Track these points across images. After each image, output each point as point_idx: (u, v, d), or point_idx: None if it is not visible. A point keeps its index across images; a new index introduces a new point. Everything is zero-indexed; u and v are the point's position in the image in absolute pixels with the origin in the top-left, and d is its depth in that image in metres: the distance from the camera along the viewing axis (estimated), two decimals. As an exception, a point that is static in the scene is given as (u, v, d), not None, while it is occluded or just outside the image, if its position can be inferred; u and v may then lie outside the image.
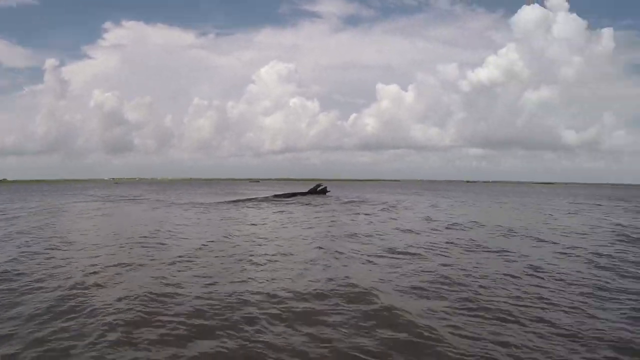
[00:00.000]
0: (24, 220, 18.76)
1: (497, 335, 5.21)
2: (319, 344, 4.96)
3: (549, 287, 7.38)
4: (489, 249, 11.14)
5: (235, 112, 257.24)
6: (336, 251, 10.49)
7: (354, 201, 32.58)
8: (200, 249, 10.99)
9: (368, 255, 10.13)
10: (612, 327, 5.47)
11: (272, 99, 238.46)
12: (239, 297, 6.64)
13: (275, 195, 36.36)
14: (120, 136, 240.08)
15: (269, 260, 9.54)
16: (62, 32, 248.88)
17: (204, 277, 7.96)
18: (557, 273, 8.43)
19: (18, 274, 8.17)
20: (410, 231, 14.72)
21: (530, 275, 8.27)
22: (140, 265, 9.05)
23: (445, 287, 7.33)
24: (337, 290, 7.00)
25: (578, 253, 10.68)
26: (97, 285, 7.40)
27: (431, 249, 10.98)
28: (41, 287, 7.25)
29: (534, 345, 4.94)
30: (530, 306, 6.33)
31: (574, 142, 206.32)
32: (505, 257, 10.17)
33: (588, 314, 6.01)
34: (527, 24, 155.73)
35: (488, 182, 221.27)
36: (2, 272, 8.26)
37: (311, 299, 6.57)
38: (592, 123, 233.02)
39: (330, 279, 7.67)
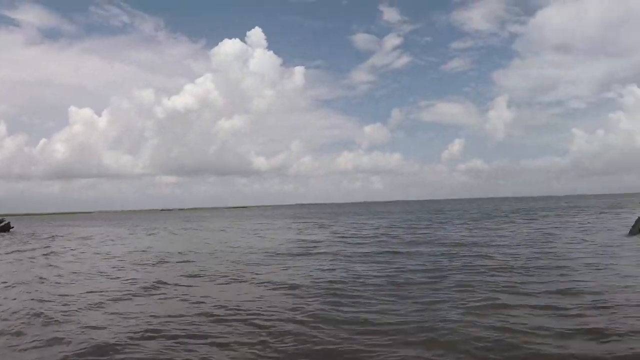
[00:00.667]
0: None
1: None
2: None
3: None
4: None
5: None
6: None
7: (42, 237, 30.97)
8: None
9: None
10: None
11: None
12: None
13: None
14: None
15: None
16: None
17: None
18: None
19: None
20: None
21: None
22: None
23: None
24: None
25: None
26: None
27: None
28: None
29: None
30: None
31: (264, 167, 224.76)
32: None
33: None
34: (226, 56, 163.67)
35: (183, 209, 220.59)
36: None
37: None
38: (282, 150, 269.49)
39: None
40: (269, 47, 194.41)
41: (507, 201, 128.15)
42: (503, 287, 9.06)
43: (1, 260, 17.94)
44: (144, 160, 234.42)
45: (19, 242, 28.04)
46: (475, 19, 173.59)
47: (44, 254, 19.13)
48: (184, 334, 6.52)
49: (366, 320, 6.91)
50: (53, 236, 33.32)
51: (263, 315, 7.46)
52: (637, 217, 20.03)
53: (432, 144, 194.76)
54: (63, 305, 8.70)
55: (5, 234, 36.35)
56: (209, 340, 6.18)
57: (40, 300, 9.14)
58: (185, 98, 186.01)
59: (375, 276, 10.87)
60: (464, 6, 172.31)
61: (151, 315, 7.65)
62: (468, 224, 30.89)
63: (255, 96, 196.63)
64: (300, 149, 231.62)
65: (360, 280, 10.33)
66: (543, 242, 17.13)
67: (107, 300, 9.09)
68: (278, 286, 10.05)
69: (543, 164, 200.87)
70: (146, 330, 6.70)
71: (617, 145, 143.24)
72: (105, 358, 5.63)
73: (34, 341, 6.38)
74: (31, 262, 16.69)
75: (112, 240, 27.73)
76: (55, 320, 7.45)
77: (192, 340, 6.21)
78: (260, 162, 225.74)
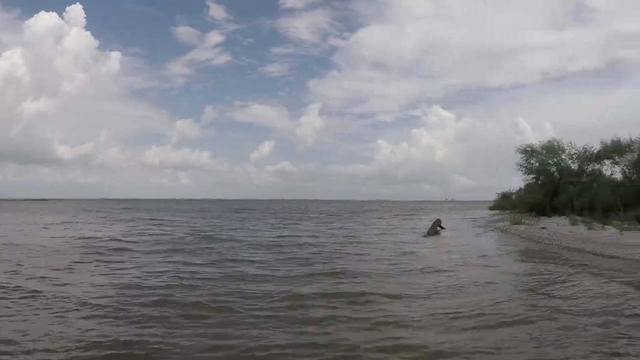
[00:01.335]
0: None
1: None
2: None
3: None
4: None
5: None
6: None
7: None
8: None
9: None
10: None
11: None
12: None
13: None
14: None
15: None
16: None
17: None
18: None
19: None
20: None
21: None
22: None
23: None
24: None
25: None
26: None
27: None
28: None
29: None
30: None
31: (68, 156, 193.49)
32: None
33: None
34: (40, 31, 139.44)
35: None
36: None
37: None
38: (88, 139, 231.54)
39: None
40: (87, 27, 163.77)
41: (314, 203, 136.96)
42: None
43: None
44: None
45: None
46: (300, 28, 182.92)
47: None
48: None
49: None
50: None
51: None
52: (433, 221, 26.11)
53: (244, 144, 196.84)
54: None
55: None
56: None
57: None
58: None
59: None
60: (291, 14, 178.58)
61: None
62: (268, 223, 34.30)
63: (66, 78, 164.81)
64: (108, 139, 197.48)
65: None
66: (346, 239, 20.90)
67: None
68: None
69: (351, 170, 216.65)
70: None
71: (419, 158, 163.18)
72: None
73: None
74: None
75: None
76: None
77: None
78: (64, 150, 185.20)
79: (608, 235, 18.39)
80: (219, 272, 12.09)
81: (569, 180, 30.38)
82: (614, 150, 28.09)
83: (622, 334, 6.59)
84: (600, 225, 20.46)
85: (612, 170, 29.10)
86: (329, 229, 29.33)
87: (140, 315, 7.72)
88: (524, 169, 33.20)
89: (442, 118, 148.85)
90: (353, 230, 28.24)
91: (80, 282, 10.55)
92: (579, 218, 23.33)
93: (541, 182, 32.61)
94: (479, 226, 31.84)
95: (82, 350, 6.00)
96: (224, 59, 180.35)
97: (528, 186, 35.25)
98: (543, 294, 9.46)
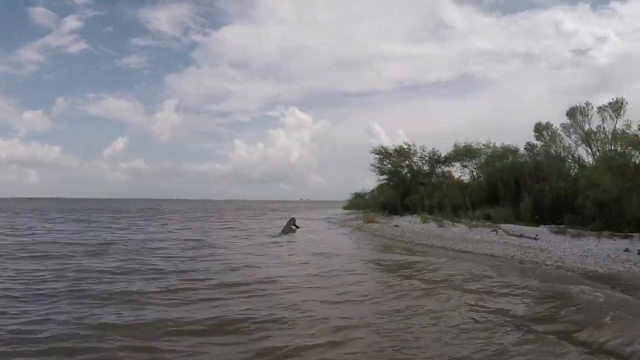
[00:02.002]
0: None
1: None
2: None
3: None
4: None
5: None
6: None
7: None
8: None
9: None
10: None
11: None
12: None
13: None
14: None
15: None
16: None
17: None
18: None
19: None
20: None
21: None
22: None
23: None
24: None
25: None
26: None
27: None
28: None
29: None
30: None
31: None
32: None
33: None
34: None
35: None
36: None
37: None
38: None
39: None
40: None
41: (166, 202, 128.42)
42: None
43: None
44: None
45: None
46: (162, 20, 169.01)
47: None
48: None
49: None
50: None
51: None
52: (287, 220, 25.20)
53: (96, 139, 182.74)
54: None
55: None
56: None
57: None
58: None
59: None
60: (153, 5, 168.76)
61: None
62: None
63: None
64: None
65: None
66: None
67: None
68: None
69: (205, 168, 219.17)
70: None
71: (275, 158, 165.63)
72: None
73: None
74: None
75: None
76: None
77: None
78: None
79: (457, 232, 18.48)
80: None
81: (420, 181, 31.18)
82: (464, 153, 29.52)
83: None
84: (450, 222, 20.47)
85: (462, 172, 30.73)
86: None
87: None
88: (377, 170, 33.53)
89: (299, 120, 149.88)
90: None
91: None
92: (429, 216, 23.46)
93: (393, 183, 33.09)
94: (333, 224, 31.24)
95: None
96: (79, 46, 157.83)
97: (381, 186, 35.74)
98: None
